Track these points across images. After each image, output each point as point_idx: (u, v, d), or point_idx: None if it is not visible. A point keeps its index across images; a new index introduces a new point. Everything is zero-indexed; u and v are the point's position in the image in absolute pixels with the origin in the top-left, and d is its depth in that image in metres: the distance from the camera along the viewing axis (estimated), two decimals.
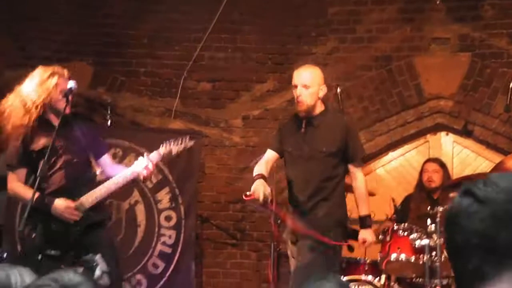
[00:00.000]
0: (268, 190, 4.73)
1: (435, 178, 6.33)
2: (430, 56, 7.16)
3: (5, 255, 6.33)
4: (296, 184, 5.10)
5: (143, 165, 4.64)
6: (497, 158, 6.90)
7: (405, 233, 5.71)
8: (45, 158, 4.45)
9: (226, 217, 7.26)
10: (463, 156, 7.27)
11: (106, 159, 4.90)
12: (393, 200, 6.11)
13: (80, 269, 4.32)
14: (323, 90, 5.07)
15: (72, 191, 4.63)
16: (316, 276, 3.04)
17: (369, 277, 5.73)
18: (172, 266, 6.73)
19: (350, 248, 5.46)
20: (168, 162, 6.67)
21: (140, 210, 6.85)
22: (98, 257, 4.29)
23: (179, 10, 7.43)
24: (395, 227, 5.76)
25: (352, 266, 5.89)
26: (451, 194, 4.92)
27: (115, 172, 4.75)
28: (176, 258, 6.75)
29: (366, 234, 5.14)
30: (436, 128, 7.27)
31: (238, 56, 7.45)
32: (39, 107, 4.61)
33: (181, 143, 4.80)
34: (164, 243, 6.80)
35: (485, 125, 6.99)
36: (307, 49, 7.31)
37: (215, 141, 7.39)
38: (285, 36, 7.38)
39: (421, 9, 7.22)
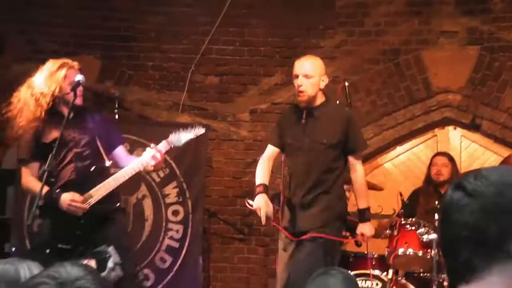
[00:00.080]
0: (270, 208, 4.77)
1: (444, 172, 6.31)
2: (438, 50, 7.13)
3: (13, 249, 6.36)
4: (296, 177, 5.03)
5: (150, 154, 4.62)
6: (505, 152, 6.89)
7: (413, 228, 5.71)
8: (53, 151, 4.45)
9: (233, 212, 7.27)
10: (471, 150, 7.24)
11: (120, 150, 4.86)
12: (401, 194, 6.09)
13: (92, 261, 4.31)
14: (324, 81, 4.98)
15: (82, 184, 4.62)
16: (319, 271, 3.01)
17: (377, 272, 5.74)
18: (179, 261, 6.74)
19: (358, 243, 5.46)
20: (175, 157, 6.68)
21: (148, 205, 6.85)
22: (110, 249, 4.28)
23: (187, 4, 7.41)
24: (403, 222, 5.75)
25: (360, 261, 5.90)
26: None
27: (129, 164, 4.73)
28: (183, 252, 6.75)
29: (364, 228, 5.03)
30: (444, 122, 7.25)
31: (246, 49, 7.43)
32: (48, 99, 4.60)
33: (191, 132, 4.75)
34: (171, 238, 6.81)
35: (493, 119, 6.97)
36: (315, 42, 7.29)
37: (223, 135, 7.39)
38: (293, 30, 7.36)
39: (429, 2, 7.19)
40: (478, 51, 7.01)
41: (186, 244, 6.78)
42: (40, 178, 4.62)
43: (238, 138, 7.39)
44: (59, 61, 4.72)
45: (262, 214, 4.73)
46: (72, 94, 4.61)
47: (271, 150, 5.16)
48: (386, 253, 5.74)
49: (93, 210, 4.61)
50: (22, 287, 1.96)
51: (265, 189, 4.92)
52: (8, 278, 2.49)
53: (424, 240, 5.60)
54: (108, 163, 4.73)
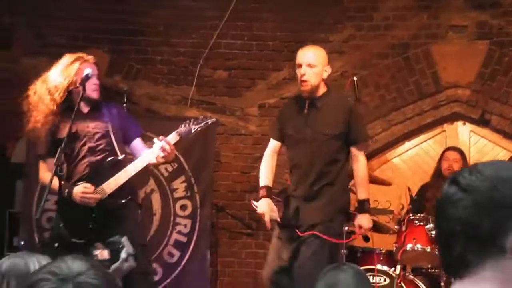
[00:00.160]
0: (274, 212, 4.78)
1: (455, 167, 6.27)
2: (447, 44, 7.10)
3: (22, 243, 6.38)
4: (298, 169, 4.96)
5: (159, 146, 4.62)
6: None
7: (421, 223, 5.70)
8: (62, 146, 4.45)
9: (241, 207, 7.26)
10: (480, 145, 7.21)
11: (138, 143, 4.86)
12: (409, 189, 6.07)
13: (106, 252, 4.31)
14: (327, 71, 4.93)
15: (96, 179, 4.64)
16: (329, 266, 3.04)
17: (385, 267, 5.73)
18: (187, 255, 6.74)
19: (366, 238, 5.45)
20: (183, 151, 6.67)
21: (156, 199, 6.86)
22: (124, 239, 4.27)
23: None
24: (411, 217, 5.74)
25: (367, 256, 5.89)
26: None
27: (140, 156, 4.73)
28: (191, 247, 6.76)
29: (362, 220, 4.94)
30: (453, 117, 7.22)
31: (254, 44, 7.41)
32: (62, 93, 4.61)
33: (200, 122, 4.74)
34: (179, 232, 6.81)
35: (503, 114, 6.93)
36: (324, 36, 7.26)
37: (231, 130, 7.38)
38: (302, 24, 7.34)
39: None
40: (487, 45, 6.98)
41: (194, 238, 6.78)
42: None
43: (246, 132, 7.38)
44: (74, 55, 4.73)
45: (267, 220, 4.79)
46: (82, 88, 4.61)
47: (273, 144, 5.13)
48: (394, 248, 5.73)
49: (105, 204, 4.63)
50: None
51: (269, 192, 4.91)
52: (18, 271, 2.51)
53: (432, 235, 5.58)
54: (121, 156, 4.73)
